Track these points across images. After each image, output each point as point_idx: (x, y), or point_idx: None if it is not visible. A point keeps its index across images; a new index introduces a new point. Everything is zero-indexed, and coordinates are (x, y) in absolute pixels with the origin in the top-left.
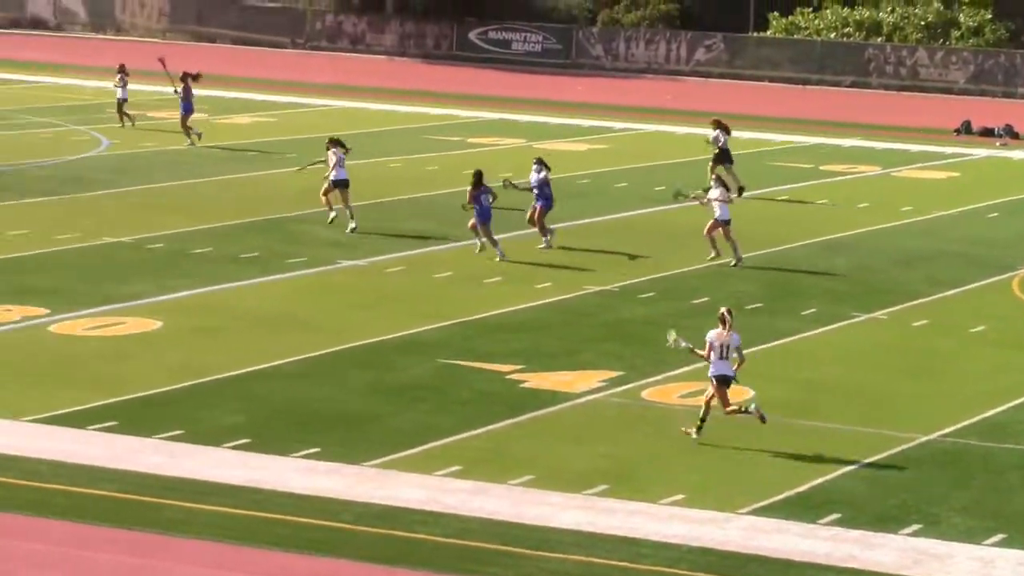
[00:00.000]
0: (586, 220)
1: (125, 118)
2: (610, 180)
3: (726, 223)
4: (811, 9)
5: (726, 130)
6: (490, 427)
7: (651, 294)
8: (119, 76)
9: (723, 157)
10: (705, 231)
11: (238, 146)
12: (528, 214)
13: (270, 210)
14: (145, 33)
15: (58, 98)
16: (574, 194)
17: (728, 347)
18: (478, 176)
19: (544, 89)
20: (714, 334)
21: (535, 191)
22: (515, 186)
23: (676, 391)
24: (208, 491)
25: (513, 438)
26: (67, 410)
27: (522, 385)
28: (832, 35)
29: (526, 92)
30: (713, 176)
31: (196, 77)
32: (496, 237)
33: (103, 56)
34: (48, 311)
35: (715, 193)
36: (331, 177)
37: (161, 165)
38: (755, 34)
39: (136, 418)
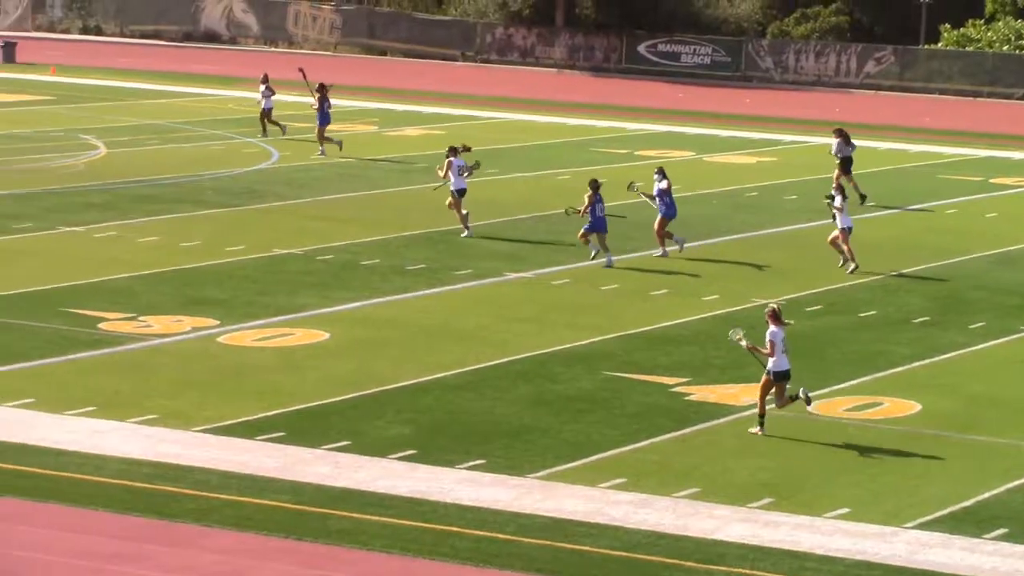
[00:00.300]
0: (755, 232)
1: (270, 127)
2: (779, 193)
3: (847, 230)
4: (983, 21)
5: (847, 139)
6: (655, 439)
7: (818, 307)
8: (263, 86)
9: (845, 166)
10: (829, 240)
11: (407, 158)
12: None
13: (438, 222)
14: (317, 46)
15: (230, 110)
16: (743, 206)
17: (784, 341)
18: (595, 185)
19: (713, 102)
20: (774, 331)
21: (656, 201)
22: (577, 211)
23: (841, 404)
24: (374, 502)
25: (678, 450)
26: (236, 421)
27: (687, 397)
28: (1004, 47)
29: (695, 105)
30: (835, 185)
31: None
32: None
33: (275, 69)
34: (218, 322)
35: (837, 201)
36: (452, 187)
37: (331, 177)
38: (926, 46)
39: (303, 429)
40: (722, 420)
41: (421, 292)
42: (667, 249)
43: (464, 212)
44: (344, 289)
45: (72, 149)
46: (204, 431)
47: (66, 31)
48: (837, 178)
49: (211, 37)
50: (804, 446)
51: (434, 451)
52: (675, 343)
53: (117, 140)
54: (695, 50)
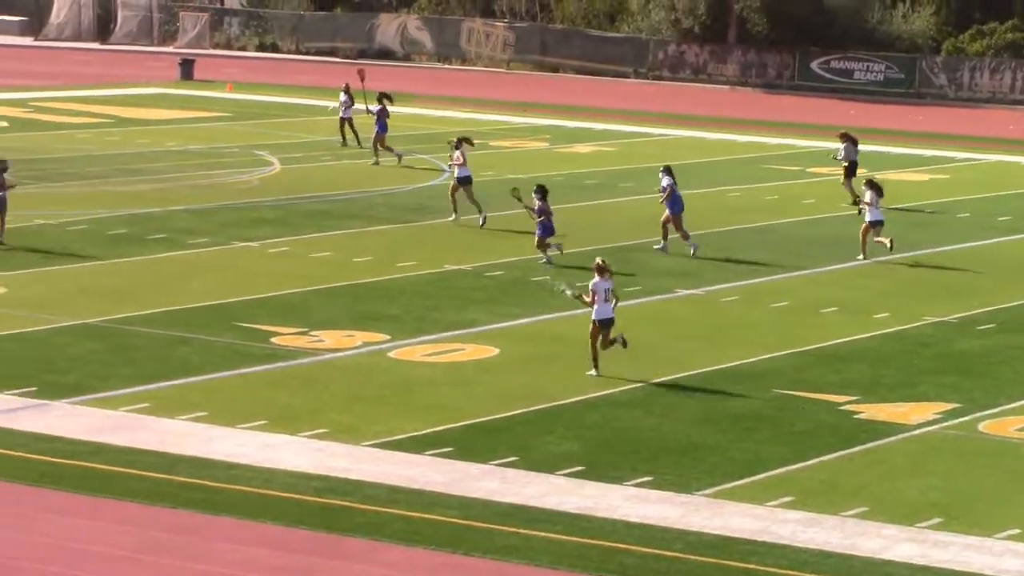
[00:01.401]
0: (927, 250)
1: (352, 137)
2: (952, 210)
3: (878, 224)
4: None
5: (854, 142)
6: (823, 458)
7: (990, 326)
8: (344, 96)
9: (851, 170)
10: (861, 234)
11: (578, 175)
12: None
13: (608, 238)
14: (490, 63)
15: (403, 127)
16: (915, 224)
17: (608, 291)
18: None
19: (886, 118)
20: (597, 282)
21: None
22: (520, 200)
23: (1013, 424)
24: (541, 518)
25: (846, 469)
26: (405, 435)
27: (856, 416)
28: None
29: (867, 121)
30: (865, 183)
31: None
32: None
33: (448, 86)
34: (389, 337)
35: (868, 196)
36: (456, 174)
37: (501, 193)
38: None
39: (472, 444)
40: (891, 439)
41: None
42: (666, 244)
43: (456, 199)
44: (513, 305)
45: (247, 165)
46: (373, 446)
47: (243, 48)
48: (845, 183)
49: (385, 54)
50: (974, 465)
51: (602, 467)
52: (845, 361)
53: (291, 156)
54: (868, 67)
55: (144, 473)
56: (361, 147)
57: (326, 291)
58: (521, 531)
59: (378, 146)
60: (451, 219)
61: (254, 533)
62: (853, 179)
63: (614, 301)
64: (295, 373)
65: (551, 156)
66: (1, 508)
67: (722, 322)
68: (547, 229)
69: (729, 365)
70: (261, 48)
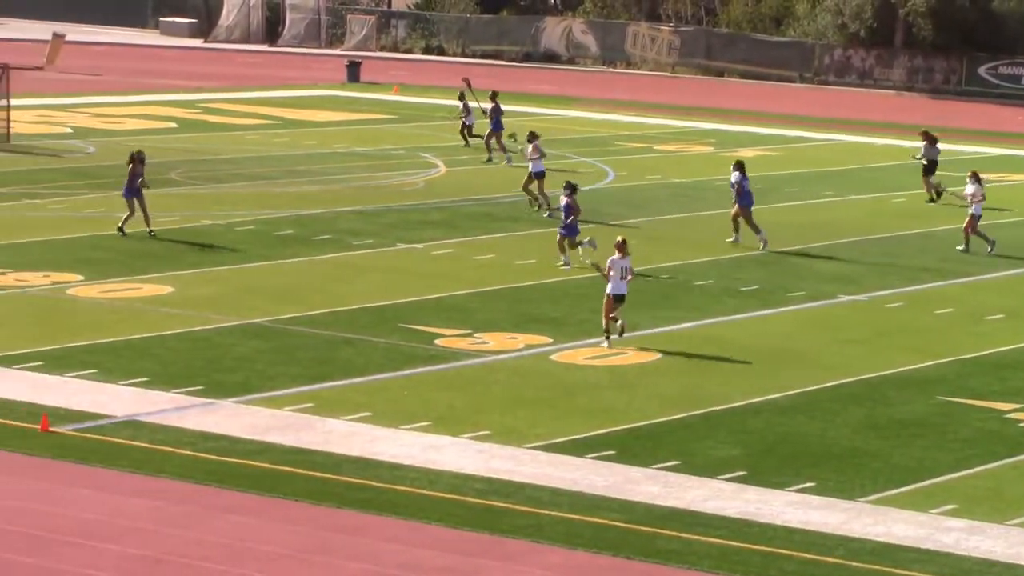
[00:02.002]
0: None
1: (472, 139)
2: None
3: (978, 217)
4: None
5: (933, 141)
6: (988, 466)
7: None
8: (461, 103)
9: (930, 168)
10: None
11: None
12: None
13: (773, 243)
14: (655, 67)
15: (568, 130)
16: None
17: (625, 269)
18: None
19: None
20: (615, 259)
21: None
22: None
23: None
24: (703, 522)
25: (1011, 478)
26: (567, 438)
27: (1022, 424)
28: None
29: None
30: (969, 174)
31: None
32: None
33: (612, 89)
34: (551, 340)
35: (970, 189)
36: (530, 168)
37: (665, 197)
38: None
39: (634, 448)
40: None
41: (753, 313)
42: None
43: (539, 193)
44: (676, 309)
45: (412, 167)
46: (535, 448)
47: (409, 51)
48: (924, 180)
49: (550, 57)
50: None
51: (763, 473)
52: (1011, 368)
53: (456, 159)
54: None
55: (309, 473)
56: (468, 146)
57: (489, 293)
58: (682, 535)
59: (490, 143)
60: (535, 209)
61: (418, 534)
62: (931, 177)
63: (629, 278)
64: (459, 375)
65: (715, 160)
66: (169, 506)
67: (886, 328)
68: (571, 229)
69: (893, 371)
70: (427, 51)
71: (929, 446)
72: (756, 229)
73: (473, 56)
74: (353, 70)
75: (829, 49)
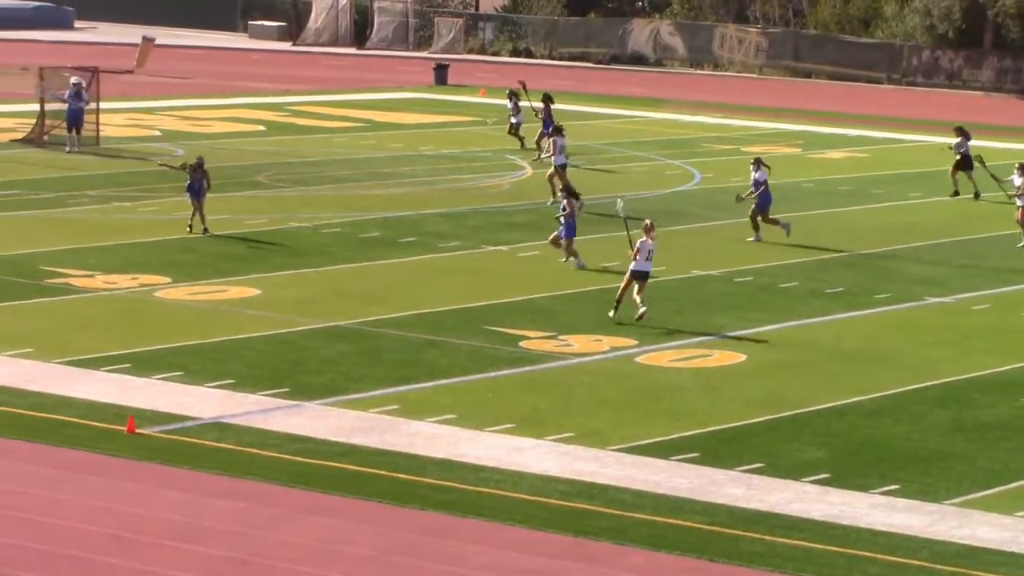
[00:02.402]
0: None
1: (522, 141)
2: None
3: None
4: None
5: (967, 137)
6: None
7: None
8: (510, 103)
9: (964, 163)
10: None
11: (830, 180)
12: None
13: (860, 245)
14: (742, 68)
15: (655, 132)
16: None
17: (651, 252)
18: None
19: None
20: (643, 241)
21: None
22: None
23: None
24: (786, 525)
25: None
26: (650, 440)
27: None
28: None
29: None
30: (1017, 165)
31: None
32: None
33: (700, 91)
34: (636, 342)
35: (1018, 181)
36: (555, 162)
37: (751, 199)
38: None
39: (717, 450)
40: None
41: (839, 315)
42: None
43: (562, 184)
44: (761, 311)
45: (499, 169)
46: (619, 450)
47: (497, 53)
48: (954, 174)
49: (638, 59)
50: None
51: (848, 475)
52: None
53: (542, 161)
54: None
55: (393, 475)
56: (524, 148)
57: (575, 295)
58: (766, 538)
59: (541, 143)
60: (548, 203)
61: (502, 536)
62: (965, 172)
63: (651, 258)
64: (543, 377)
65: (803, 162)
66: (254, 508)
67: (972, 330)
68: (571, 229)
69: (978, 374)
70: (515, 53)
71: (1014, 449)
72: (775, 222)
73: (560, 58)
74: (441, 73)
75: (917, 50)
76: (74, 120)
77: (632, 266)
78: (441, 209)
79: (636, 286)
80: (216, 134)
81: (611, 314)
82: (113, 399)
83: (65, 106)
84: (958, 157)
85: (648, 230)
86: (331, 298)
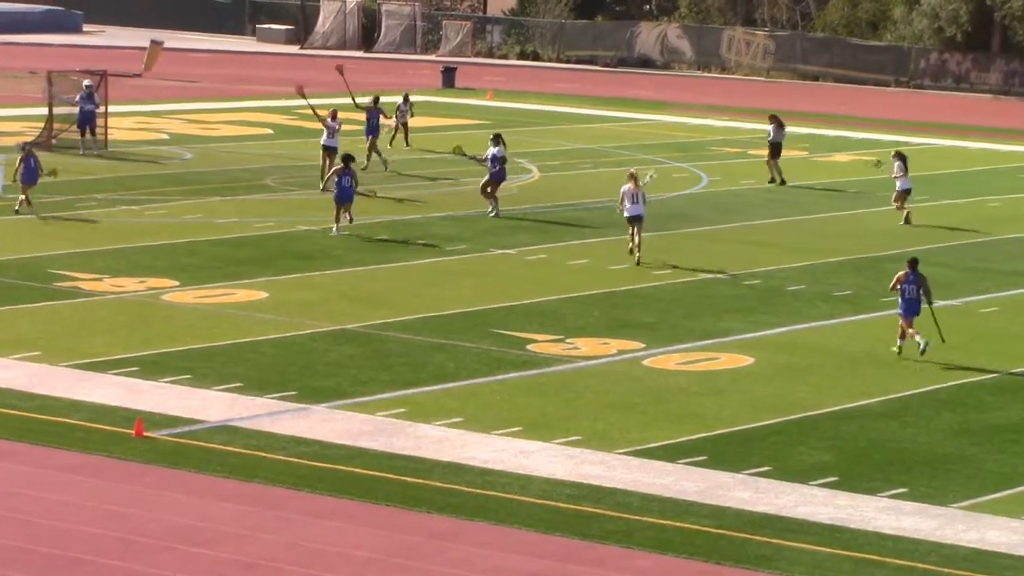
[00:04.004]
0: None
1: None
2: None
3: (905, 192)
4: None
5: (780, 125)
6: None
7: None
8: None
9: (775, 151)
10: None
11: (836, 184)
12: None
13: (866, 248)
14: (750, 71)
15: (662, 135)
16: None
17: (637, 196)
18: (347, 159)
19: None
20: (626, 188)
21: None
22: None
23: None
24: (794, 528)
25: None
26: (658, 444)
27: None
28: None
29: None
30: (894, 152)
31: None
32: None
33: (707, 94)
34: (644, 345)
35: (895, 167)
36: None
37: (759, 202)
38: None
39: (725, 453)
40: None
41: (847, 318)
42: (499, 209)
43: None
44: (769, 314)
45: (507, 173)
46: (626, 453)
47: (504, 56)
48: (768, 162)
49: (645, 62)
50: None
51: (856, 479)
52: None
53: (550, 164)
54: None
55: (401, 478)
56: (408, 146)
57: (582, 298)
58: (773, 541)
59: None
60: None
61: (508, 539)
62: (778, 160)
63: (642, 202)
64: (551, 380)
65: (810, 165)
66: (260, 511)
67: (980, 333)
68: (345, 192)
69: (986, 377)
70: (522, 56)
71: (1023, 452)
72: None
73: (568, 61)
74: (448, 76)
75: (925, 53)
76: (86, 122)
77: (626, 213)
78: (449, 212)
79: (633, 228)
80: (224, 137)
81: (635, 261)
82: (121, 402)
83: (76, 109)
84: (771, 144)
85: (632, 178)
86: (339, 301)
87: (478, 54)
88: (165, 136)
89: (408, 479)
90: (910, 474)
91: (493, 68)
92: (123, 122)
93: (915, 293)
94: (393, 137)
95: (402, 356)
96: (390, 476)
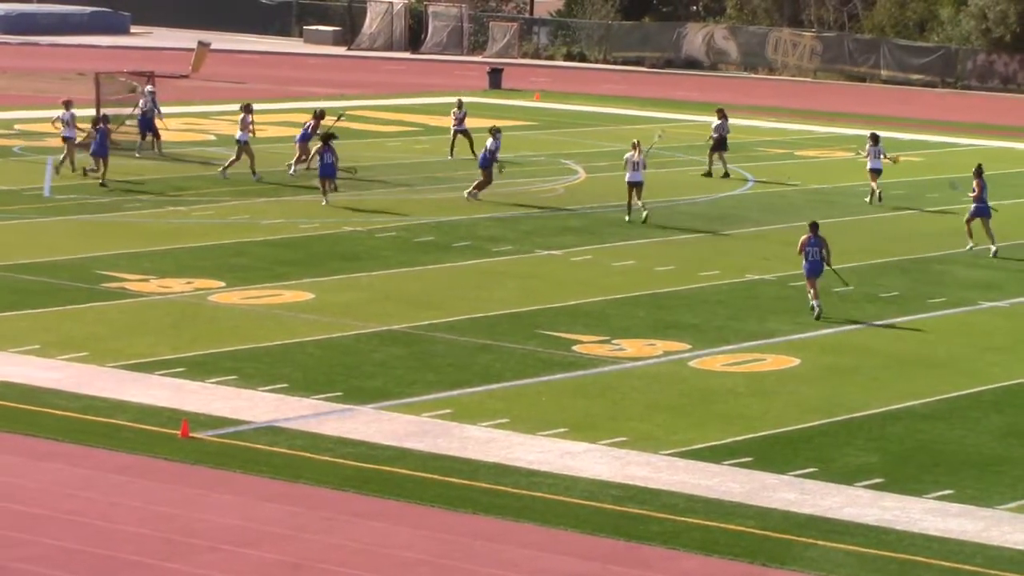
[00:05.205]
0: None
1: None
2: None
3: (875, 172)
4: None
5: (725, 118)
6: None
7: None
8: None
9: (719, 144)
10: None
11: (884, 184)
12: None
13: (913, 249)
14: (796, 72)
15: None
16: None
17: (640, 164)
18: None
19: None
20: (629, 155)
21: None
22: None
23: None
24: (839, 530)
25: None
26: (704, 445)
27: None
28: None
29: None
30: (870, 135)
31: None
32: None
33: (754, 95)
34: (689, 346)
35: (868, 146)
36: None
37: (804, 204)
38: None
39: (771, 454)
40: None
41: (894, 320)
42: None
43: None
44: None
45: (552, 174)
46: (672, 455)
47: (551, 57)
48: (711, 155)
49: (692, 63)
50: None
51: (902, 480)
52: None
53: (596, 165)
54: None
55: (446, 479)
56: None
57: (628, 300)
58: (819, 543)
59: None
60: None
61: (554, 540)
62: (719, 152)
63: (642, 169)
64: (596, 381)
65: (858, 167)
66: (307, 511)
67: None
68: (329, 170)
69: None
70: (568, 57)
71: None
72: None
73: (615, 63)
74: (495, 77)
75: (972, 54)
76: (147, 126)
77: (628, 178)
78: (495, 213)
79: (634, 192)
80: (270, 139)
81: (626, 219)
82: (167, 403)
83: (127, 110)
84: (715, 137)
85: (635, 146)
86: (384, 302)
87: (524, 55)
88: (212, 137)
89: (454, 480)
90: (956, 475)
91: (540, 69)
92: (171, 123)
93: (818, 255)
94: (452, 146)
95: (448, 357)
96: (435, 477)
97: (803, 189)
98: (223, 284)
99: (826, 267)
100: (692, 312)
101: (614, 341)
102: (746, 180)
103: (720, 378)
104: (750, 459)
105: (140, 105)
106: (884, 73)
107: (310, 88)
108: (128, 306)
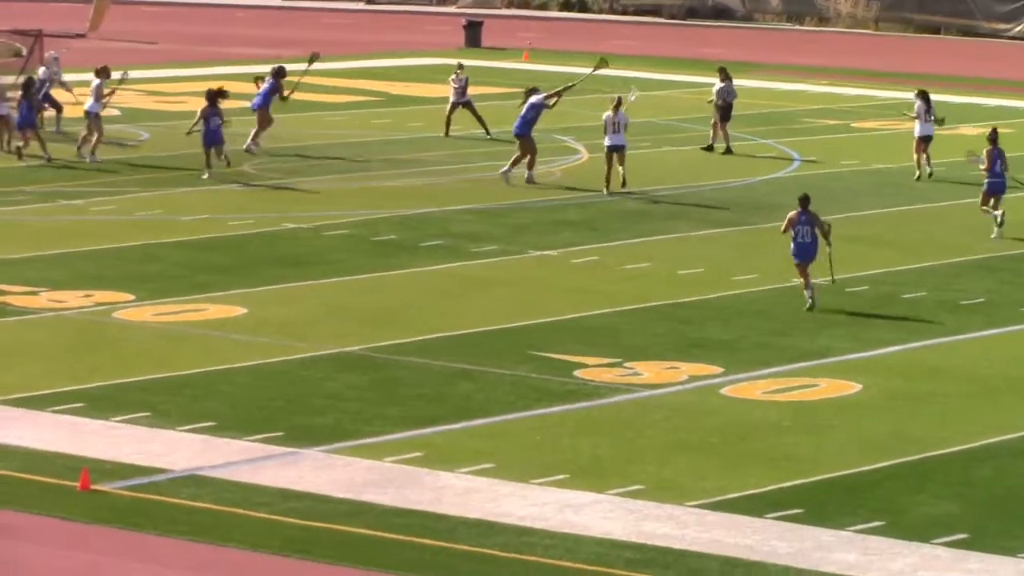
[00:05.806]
0: None
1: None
2: None
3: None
4: None
5: (729, 79)
6: None
7: None
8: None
9: (726, 113)
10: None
11: (962, 164)
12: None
13: (1002, 245)
14: (852, 23)
15: (744, 104)
16: None
17: (620, 124)
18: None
19: None
20: (607, 115)
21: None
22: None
23: None
24: None
25: None
26: (741, 493)
27: None
28: None
29: None
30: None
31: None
32: None
33: (800, 53)
34: (722, 369)
35: (918, 105)
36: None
37: (865, 188)
38: None
39: (825, 505)
40: None
41: (978, 333)
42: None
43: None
44: (879, 329)
45: (546, 153)
46: (701, 506)
47: (543, 7)
48: (714, 125)
49: (721, 13)
50: None
51: (989, 535)
52: None
53: (600, 143)
54: None
55: (417, 540)
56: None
57: (643, 311)
58: None
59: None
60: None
61: None
62: (728, 123)
63: (623, 131)
64: (604, 415)
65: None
66: None
67: None
68: (214, 137)
69: None
70: (566, 7)
71: None
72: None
73: (624, 12)
74: (472, 32)
75: None
76: (47, 98)
77: (607, 142)
78: (474, 204)
79: (615, 158)
80: (189, 113)
81: (604, 192)
82: (63, 447)
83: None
84: (720, 104)
85: (616, 105)
86: (336, 318)
87: (510, 4)
88: (116, 112)
89: (426, 541)
90: None
91: (529, 22)
92: (63, 95)
93: (809, 235)
94: (449, 121)
95: (416, 386)
96: (402, 538)
97: (862, 170)
98: (131, 297)
99: (827, 248)
100: (724, 327)
101: (626, 364)
102: (791, 159)
103: (760, 409)
104: (799, 511)
105: (41, 73)
106: (962, 23)
107: (237, 48)
108: (11, 325)
